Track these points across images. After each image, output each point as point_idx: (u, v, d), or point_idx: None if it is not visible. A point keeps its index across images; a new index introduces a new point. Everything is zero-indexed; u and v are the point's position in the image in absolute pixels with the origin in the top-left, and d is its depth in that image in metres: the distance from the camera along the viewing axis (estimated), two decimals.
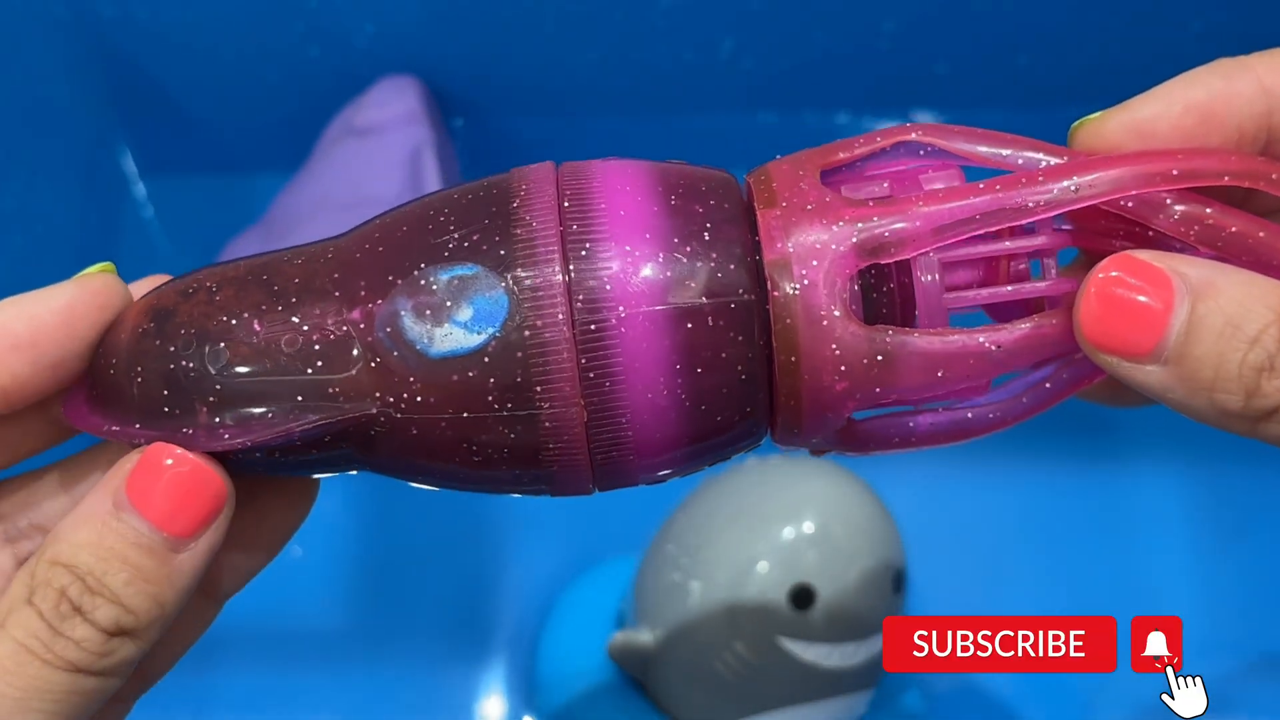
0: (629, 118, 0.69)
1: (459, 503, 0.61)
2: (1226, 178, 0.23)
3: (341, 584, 0.60)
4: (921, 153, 0.26)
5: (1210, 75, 0.25)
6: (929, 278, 0.24)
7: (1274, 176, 0.24)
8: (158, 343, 0.24)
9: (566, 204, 0.24)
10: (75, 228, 0.65)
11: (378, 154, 0.61)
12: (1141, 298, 0.22)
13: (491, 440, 0.23)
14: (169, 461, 0.23)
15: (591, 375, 0.23)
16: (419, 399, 0.23)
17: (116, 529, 0.22)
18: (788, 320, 0.23)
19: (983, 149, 0.25)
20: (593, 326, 0.23)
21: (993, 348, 0.23)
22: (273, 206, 0.64)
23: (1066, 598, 0.59)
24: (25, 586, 0.22)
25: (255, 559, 0.27)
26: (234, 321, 0.24)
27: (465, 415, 0.23)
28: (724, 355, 0.23)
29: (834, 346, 0.23)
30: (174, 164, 0.70)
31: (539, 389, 0.23)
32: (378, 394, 0.23)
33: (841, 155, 0.25)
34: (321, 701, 0.58)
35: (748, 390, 0.24)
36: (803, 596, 0.47)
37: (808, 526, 0.48)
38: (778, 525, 0.48)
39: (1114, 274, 0.22)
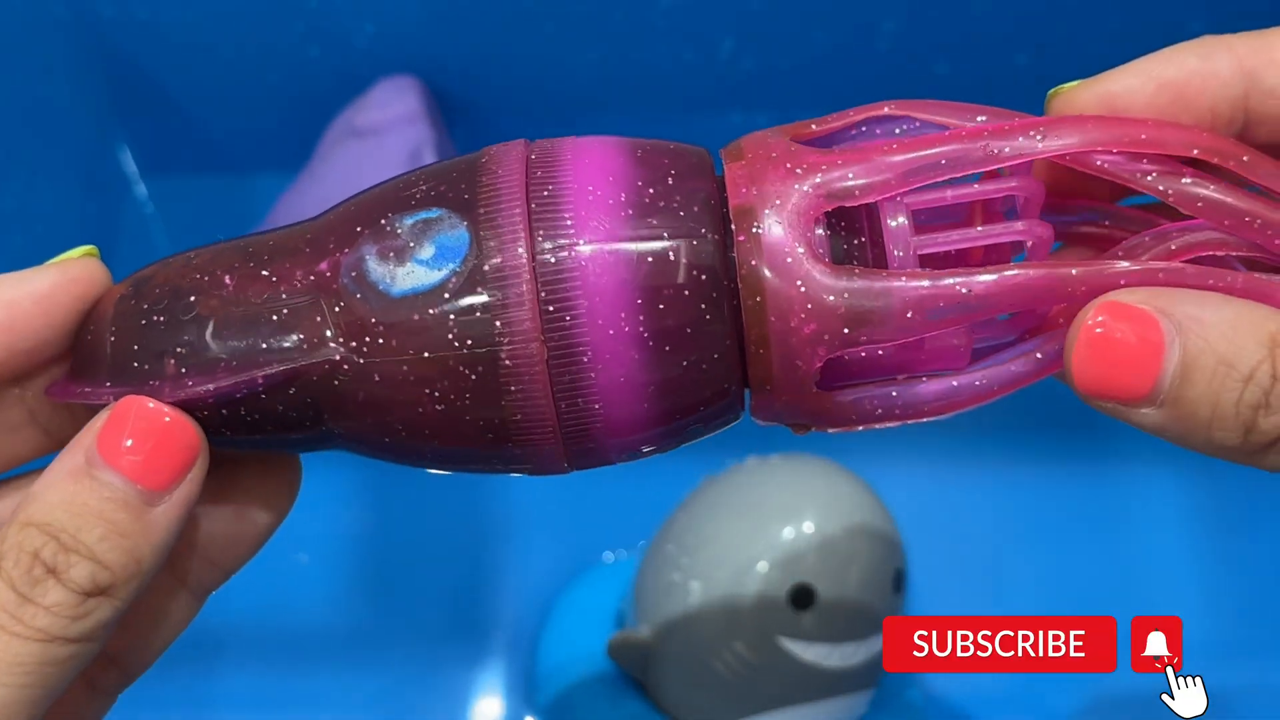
0: (629, 118, 0.69)
1: (459, 502, 0.62)
2: (1196, 151, 0.23)
3: (341, 584, 0.60)
4: (899, 130, 0.26)
5: (1188, 53, 0.25)
6: (896, 222, 0.23)
7: (1245, 159, 0.23)
8: (133, 303, 0.24)
9: (533, 155, 0.24)
10: (75, 228, 0.65)
11: (378, 155, 0.61)
12: (1131, 346, 0.22)
13: (453, 385, 0.23)
14: (139, 415, 0.23)
15: (551, 309, 0.23)
16: (381, 340, 0.23)
17: (90, 485, 0.22)
18: (752, 262, 0.23)
19: (956, 120, 0.25)
20: (552, 260, 0.23)
21: (963, 290, 0.23)
22: (274, 209, 0.64)
23: (1066, 598, 0.59)
24: None
25: (236, 554, 0.27)
26: (206, 278, 0.24)
27: (426, 355, 0.23)
28: (688, 294, 0.23)
29: (799, 284, 0.23)
30: (174, 164, 0.70)
31: (498, 324, 0.23)
32: (341, 339, 0.23)
33: (814, 128, 0.25)
34: (321, 701, 0.58)
35: (714, 334, 0.23)
36: (803, 596, 0.47)
37: (808, 526, 0.48)
38: (778, 525, 0.48)
39: (1101, 321, 0.22)
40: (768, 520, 0.49)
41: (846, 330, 0.23)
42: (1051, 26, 0.66)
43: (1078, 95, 0.25)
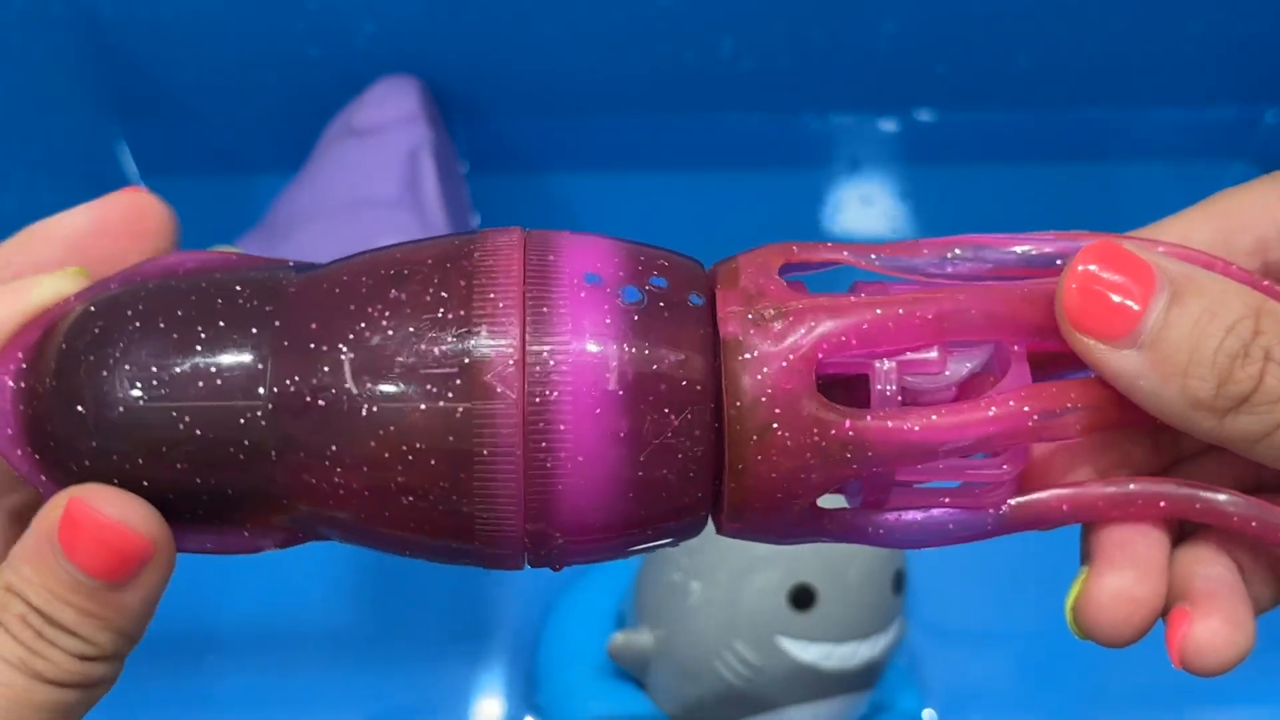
0: (629, 118, 0.69)
1: None
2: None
3: (341, 584, 0.60)
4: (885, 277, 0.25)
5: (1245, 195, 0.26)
6: (884, 387, 0.24)
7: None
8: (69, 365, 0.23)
9: (530, 259, 0.24)
10: None
11: (376, 154, 0.61)
12: (1122, 283, 0.22)
13: (423, 479, 0.23)
14: (89, 521, 0.22)
15: (536, 418, 0.22)
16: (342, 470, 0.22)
17: (56, 572, 0.23)
18: (738, 402, 0.23)
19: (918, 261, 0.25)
20: (539, 367, 0.22)
21: (917, 432, 0.23)
22: (273, 207, 0.64)
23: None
24: None
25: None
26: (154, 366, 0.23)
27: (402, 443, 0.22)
28: (670, 414, 0.23)
29: (780, 426, 0.23)
30: (174, 164, 0.70)
31: (479, 422, 0.22)
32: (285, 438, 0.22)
33: (825, 255, 0.25)
34: (321, 701, 0.58)
35: (693, 454, 0.23)
36: (803, 596, 0.47)
37: None
38: None
39: (1097, 260, 0.22)
40: None
41: (821, 478, 0.23)
42: (1051, 26, 0.66)
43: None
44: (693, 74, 0.67)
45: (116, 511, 0.23)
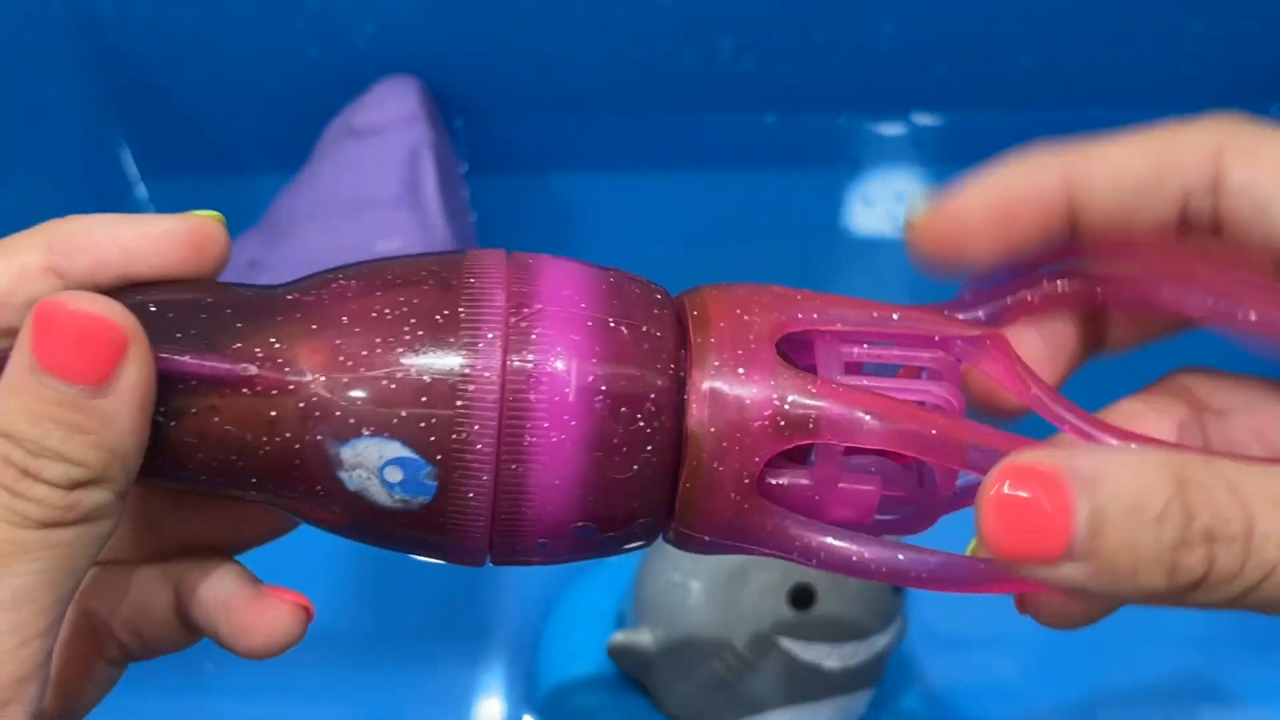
0: (629, 118, 0.69)
1: None
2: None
3: (341, 584, 0.60)
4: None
5: (1014, 172, 0.28)
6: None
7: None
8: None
9: (513, 274, 0.25)
10: None
11: (376, 154, 0.61)
12: (1039, 506, 0.21)
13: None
14: (59, 316, 0.22)
15: (511, 417, 0.24)
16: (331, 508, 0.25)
17: (37, 392, 0.22)
18: (697, 430, 0.24)
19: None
20: (520, 370, 0.24)
21: (853, 559, 0.25)
22: (272, 207, 0.64)
23: None
24: None
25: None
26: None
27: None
28: (639, 429, 0.24)
29: (732, 494, 0.24)
30: (174, 164, 0.70)
31: (460, 406, 0.24)
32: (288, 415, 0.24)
33: (799, 317, 0.26)
34: (321, 701, 0.58)
35: (653, 466, 0.25)
36: (803, 596, 0.48)
37: None
38: None
39: (1005, 487, 0.21)
40: None
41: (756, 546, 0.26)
42: (1051, 27, 0.66)
43: (929, 224, 0.27)
44: (693, 74, 0.67)
45: (86, 303, 0.23)
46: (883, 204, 0.71)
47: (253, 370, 0.24)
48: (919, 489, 0.26)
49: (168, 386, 0.24)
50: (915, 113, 0.70)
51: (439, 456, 0.24)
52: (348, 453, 0.24)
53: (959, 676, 0.58)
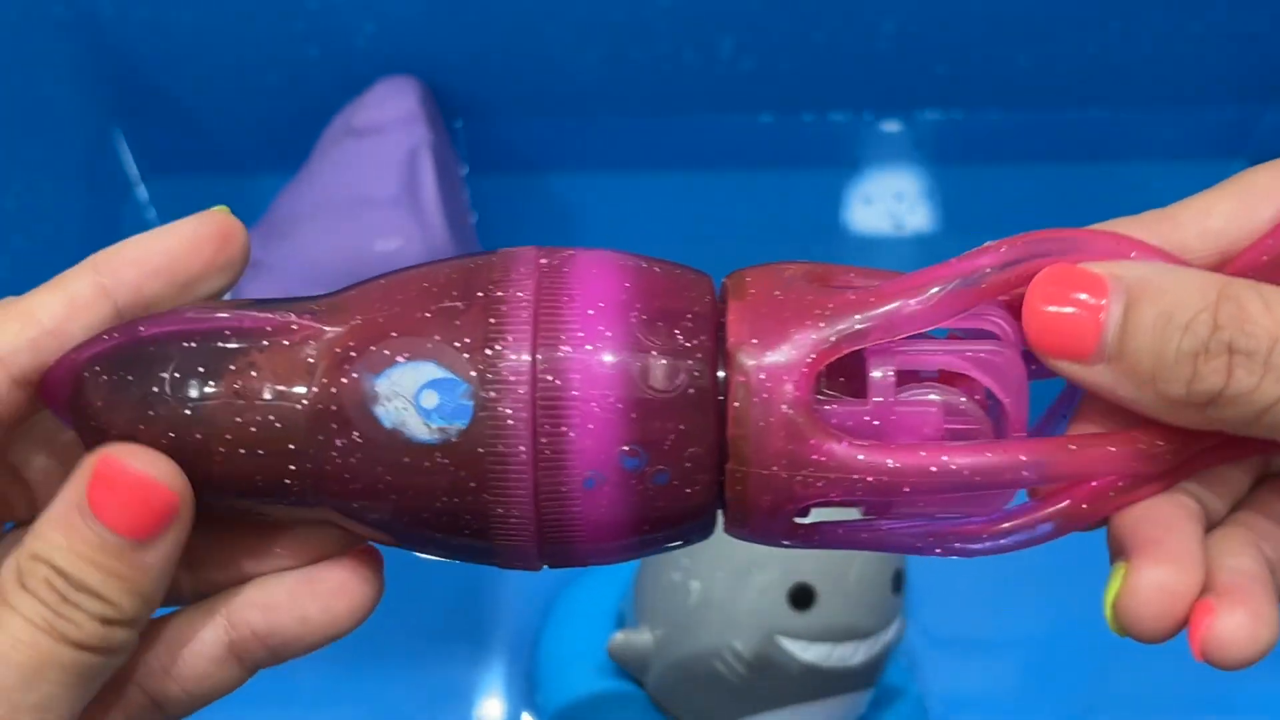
0: (629, 118, 0.69)
1: None
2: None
3: None
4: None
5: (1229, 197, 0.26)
6: (881, 373, 0.24)
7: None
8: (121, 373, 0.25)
9: (544, 267, 0.25)
10: (76, 228, 0.65)
11: (375, 154, 0.61)
12: (1077, 303, 0.23)
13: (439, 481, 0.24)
14: (120, 475, 0.24)
15: (545, 419, 0.23)
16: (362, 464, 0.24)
17: (84, 534, 0.23)
18: (736, 404, 0.23)
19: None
20: (551, 374, 0.23)
21: (933, 468, 0.23)
22: (272, 207, 0.64)
23: (1069, 596, 0.59)
24: (15, 573, 0.24)
25: (307, 632, 0.27)
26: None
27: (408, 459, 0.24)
28: (678, 419, 0.23)
29: (784, 434, 0.23)
30: (174, 164, 0.70)
31: (490, 423, 0.23)
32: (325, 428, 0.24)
33: (850, 278, 0.25)
34: (322, 701, 0.58)
35: (698, 460, 0.24)
36: (802, 596, 0.47)
37: None
38: None
39: (1054, 283, 0.23)
40: None
41: (821, 485, 0.24)
42: (1051, 27, 0.66)
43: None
44: (693, 74, 0.67)
45: (145, 465, 0.24)
46: (883, 203, 0.71)
47: (293, 319, 0.24)
48: (988, 422, 0.25)
49: (206, 349, 0.24)
50: (915, 112, 0.70)
51: (473, 373, 0.23)
52: (383, 384, 0.24)
53: (959, 676, 0.58)
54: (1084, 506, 0.24)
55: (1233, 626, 0.23)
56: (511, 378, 0.23)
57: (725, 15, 0.64)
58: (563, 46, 0.65)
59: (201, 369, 0.24)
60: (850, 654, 0.48)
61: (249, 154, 0.70)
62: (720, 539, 0.49)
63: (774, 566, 0.48)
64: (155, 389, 0.24)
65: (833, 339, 0.23)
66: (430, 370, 0.23)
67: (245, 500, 0.25)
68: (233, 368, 0.24)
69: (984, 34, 0.66)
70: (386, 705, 0.58)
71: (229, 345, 0.24)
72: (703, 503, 0.24)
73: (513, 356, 0.23)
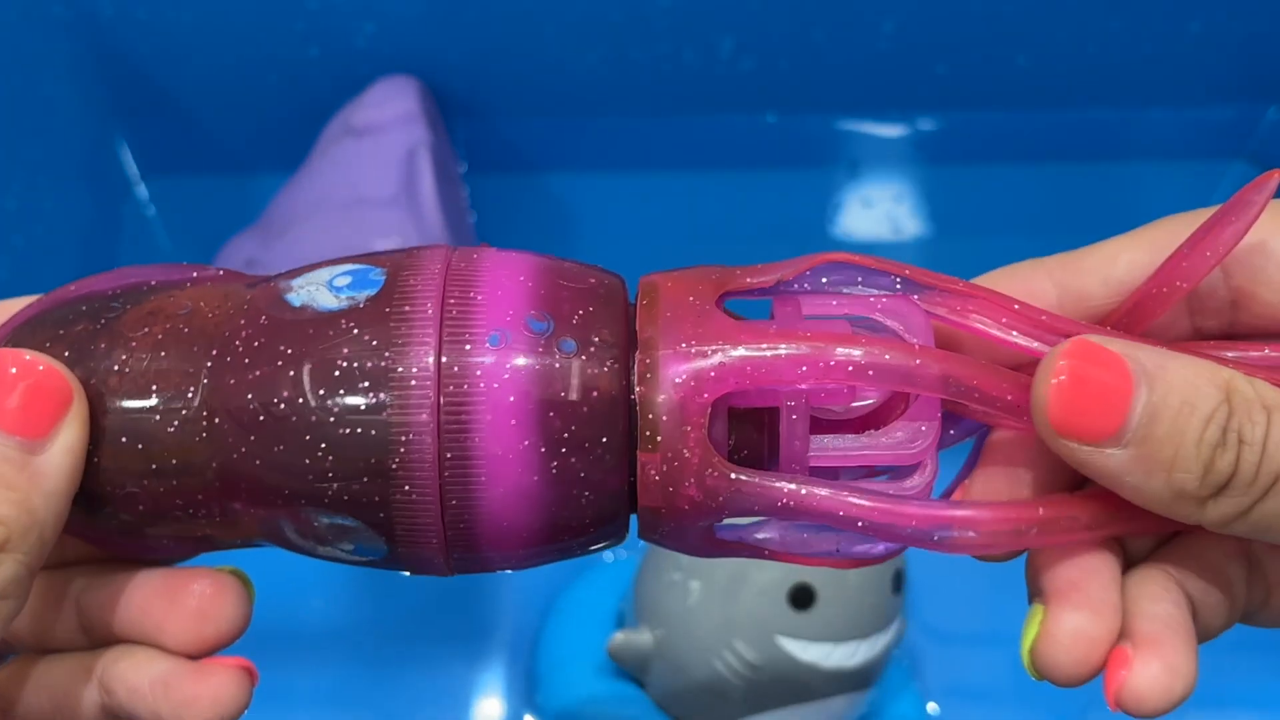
0: (629, 118, 0.69)
1: None
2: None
3: (341, 584, 0.60)
4: (858, 282, 0.25)
5: (1011, 278, 0.26)
6: (794, 417, 0.24)
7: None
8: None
9: (453, 265, 0.24)
10: (76, 228, 0.65)
11: (374, 154, 0.61)
12: (1104, 384, 0.22)
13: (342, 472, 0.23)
14: (12, 369, 0.22)
15: (451, 418, 0.23)
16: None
17: None
18: (649, 415, 0.23)
19: (880, 278, 0.25)
20: (456, 369, 0.23)
21: (840, 514, 0.23)
22: (270, 206, 0.64)
23: None
24: None
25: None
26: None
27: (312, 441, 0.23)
28: (587, 419, 0.23)
29: (689, 450, 0.23)
30: (174, 164, 0.70)
31: (394, 423, 0.23)
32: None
33: (748, 280, 0.25)
34: (321, 701, 0.58)
35: (607, 462, 0.23)
36: (803, 596, 0.47)
37: None
38: None
39: (1074, 361, 0.22)
40: None
41: (729, 508, 0.23)
42: (1051, 27, 0.66)
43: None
44: (693, 74, 0.67)
45: (36, 356, 0.23)
46: (882, 205, 0.71)
47: (221, 270, 0.25)
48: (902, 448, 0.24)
49: (128, 288, 0.24)
50: (915, 113, 0.70)
51: (389, 264, 0.24)
52: (297, 282, 0.24)
53: (959, 676, 0.58)
54: (1000, 529, 0.24)
55: (1149, 678, 0.23)
56: (426, 258, 0.24)
57: (725, 15, 0.64)
58: (563, 46, 0.65)
59: (120, 300, 0.24)
60: (850, 654, 0.48)
61: (248, 154, 0.70)
62: None
63: (774, 566, 0.48)
64: (71, 316, 0.24)
65: (742, 370, 0.23)
66: (346, 267, 0.24)
67: (132, 442, 0.23)
68: (151, 297, 0.24)
69: (984, 34, 0.66)
70: (386, 705, 0.58)
71: (151, 283, 0.24)
72: (611, 509, 0.24)
73: (429, 265, 0.24)
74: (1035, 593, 0.25)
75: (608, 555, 0.59)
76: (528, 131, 0.70)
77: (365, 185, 0.60)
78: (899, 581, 0.49)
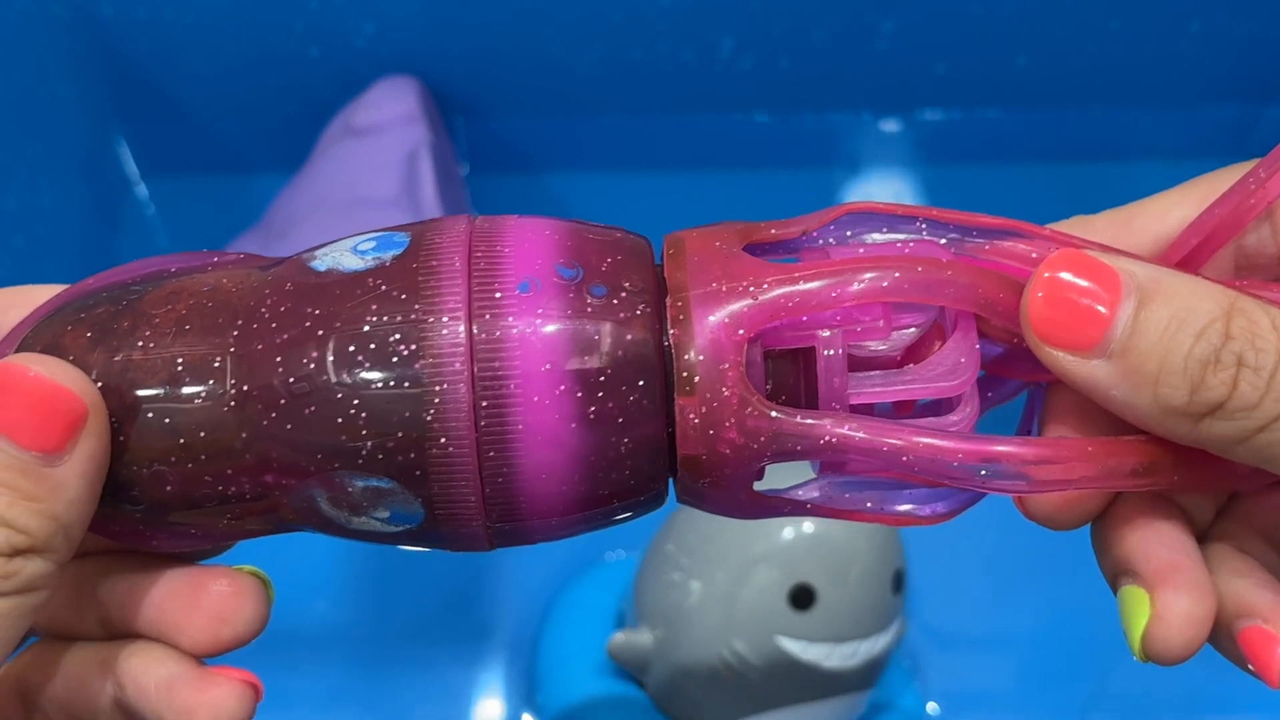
0: (628, 118, 0.69)
1: None
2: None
3: (341, 584, 0.60)
4: (854, 235, 0.25)
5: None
6: (830, 352, 0.23)
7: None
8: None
9: (476, 231, 0.24)
10: (76, 228, 0.65)
11: (374, 154, 0.61)
12: (1088, 292, 0.22)
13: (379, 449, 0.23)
14: (19, 379, 0.22)
15: (486, 388, 0.22)
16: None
17: None
18: (685, 360, 0.23)
19: (906, 225, 0.25)
20: (487, 339, 0.22)
21: (885, 448, 0.23)
22: (271, 207, 0.64)
23: (1069, 597, 0.59)
24: None
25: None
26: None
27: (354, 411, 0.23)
28: (621, 383, 0.23)
29: (727, 392, 0.23)
30: (174, 164, 0.70)
31: (430, 398, 0.22)
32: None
33: (773, 232, 0.25)
34: (321, 701, 0.58)
35: (644, 423, 0.23)
36: (803, 596, 0.47)
37: (808, 526, 0.48)
38: (777, 525, 0.48)
39: (1063, 269, 0.22)
40: (768, 520, 0.49)
41: (771, 450, 0.23)
42: (1051, 26, 0.66)
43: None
44: (693, 74, 0.67)
45: (48, 370, 0.22)
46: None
47: (230, 255, 0.25)
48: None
49: (148, 275, 0.24)
50: (915, 112, 0.70)
51: (412, 230, 0.24)
52: (321, 251, 0.24)
53: (959, 676, 0.58)
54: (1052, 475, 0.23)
55: None
56: (453, 226, 0.24)
57: (725, 15, 0.64)
58: (562, 46, 0.65)
59: (142, 284, 0.24)
60: (850, 654, 0.48)
61: (249, 154, 0.70)
62: (720, 540, 0.49)
63: (774, 566, 0.48)
64: (92, 301, 0.24)
65: (777, 306, 0.23)
66: (370, 233, 0.24)
67: (159, 403, 0.23)
68: (172, 280, 0.24)
69: (984, 34, 0.66)
70: (387, 705, 0.58)
71: (171, 269, 0.24)
72: (650, 469, 0.24)
73: (453, 225, 0.24)
74: (1124, 573, 0.24)
75: (608, 555, 0.59)
76: (528, 131, 0.70)
77: (366, 186, 0.60)
78: (899, 581, 0.49)
